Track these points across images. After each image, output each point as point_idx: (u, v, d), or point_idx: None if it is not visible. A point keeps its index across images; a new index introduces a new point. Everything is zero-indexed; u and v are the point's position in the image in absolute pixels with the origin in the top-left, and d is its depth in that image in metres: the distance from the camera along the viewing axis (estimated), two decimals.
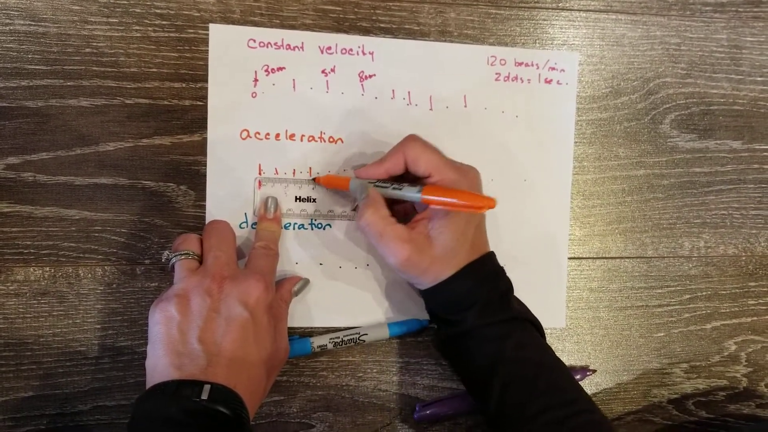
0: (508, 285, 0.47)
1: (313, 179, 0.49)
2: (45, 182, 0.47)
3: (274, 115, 0.49)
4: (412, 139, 0.46)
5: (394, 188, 0.45)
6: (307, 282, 0.49)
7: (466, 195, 0.42)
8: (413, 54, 0.51)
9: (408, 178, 0.47)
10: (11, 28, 0.46)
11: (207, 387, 0.37)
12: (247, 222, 0.49)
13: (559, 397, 0.44)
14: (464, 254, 0.45)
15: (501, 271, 0.47)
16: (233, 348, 0.40)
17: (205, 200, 0.48)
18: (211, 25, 0.48)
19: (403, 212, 0.49)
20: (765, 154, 0.57)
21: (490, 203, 0.41)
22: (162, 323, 0.40)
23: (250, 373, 0.41)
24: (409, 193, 0.44)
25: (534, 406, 0.43)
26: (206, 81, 0.48)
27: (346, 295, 0.50)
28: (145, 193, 0.48)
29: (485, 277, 0.46)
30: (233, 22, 0.48)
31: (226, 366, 0.39)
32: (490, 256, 0.47)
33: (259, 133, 0.49)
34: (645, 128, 0.55)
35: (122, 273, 0.48)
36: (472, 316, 0.45)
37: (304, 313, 0.50)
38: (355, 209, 0.50)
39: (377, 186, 0.46)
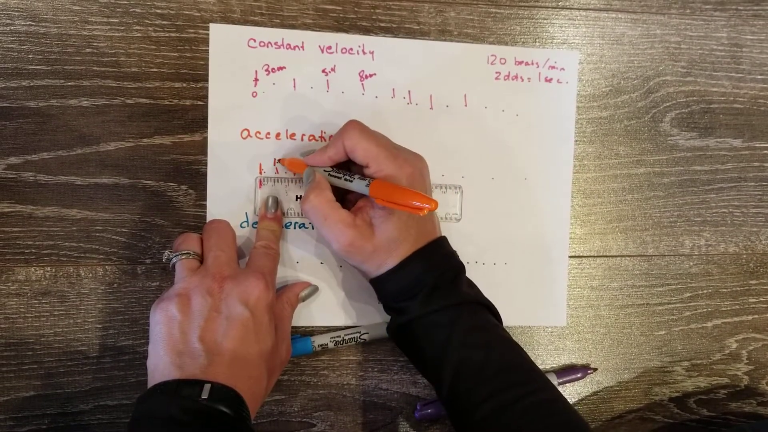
0: (457, 269, 0.45)
1: (278, 160, 0.49)
2: (46, 182, 0.47)
3: (274, 114, 0.49)
4: (351, 126, 0.44)
5: (345, 179, 0.44)
6: (315, 289, 0.49)
7: (409, 195, 0.42)
8: (413, 53, 0.51)
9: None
10: (12, 28, 0.46)
11: (207, 386, 0.37)
12: (247, 221, 0.49)
13: (507, 381, 0.42)
14: (409, 244, 0.44)
15: (450, 255, 0.46)
16: (234, 347, 0.40)
17: (205, 200, 0.48)
18: (212, 25, 0.48)
19: (354, 201, 0.47)
20: (765, 152, 0.57)
21: (431, 205, 0.41)
22: (163, 323, 0.40)
23: (251, 372, 0.41)
24: (358, 185, 0.43)
25: (482, 392, 0.42)
26: (207, 81, 0.48)
27: (346, 294, 0.50)
28: (146, 192, 0.48)
29: (432, 264, 0.44)
30: (233, 21, 0.48)
31: (226, 365, 0.39)
32: (439, 242, 0.46)
33: (259, 133, 0.49)
34: (645, 126, 0.55)
35: (123, 273, 0.48)
36: (417, 304, 0.43)
37: (305, 312, 0.50)
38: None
39: (331, 175, 0.45)
